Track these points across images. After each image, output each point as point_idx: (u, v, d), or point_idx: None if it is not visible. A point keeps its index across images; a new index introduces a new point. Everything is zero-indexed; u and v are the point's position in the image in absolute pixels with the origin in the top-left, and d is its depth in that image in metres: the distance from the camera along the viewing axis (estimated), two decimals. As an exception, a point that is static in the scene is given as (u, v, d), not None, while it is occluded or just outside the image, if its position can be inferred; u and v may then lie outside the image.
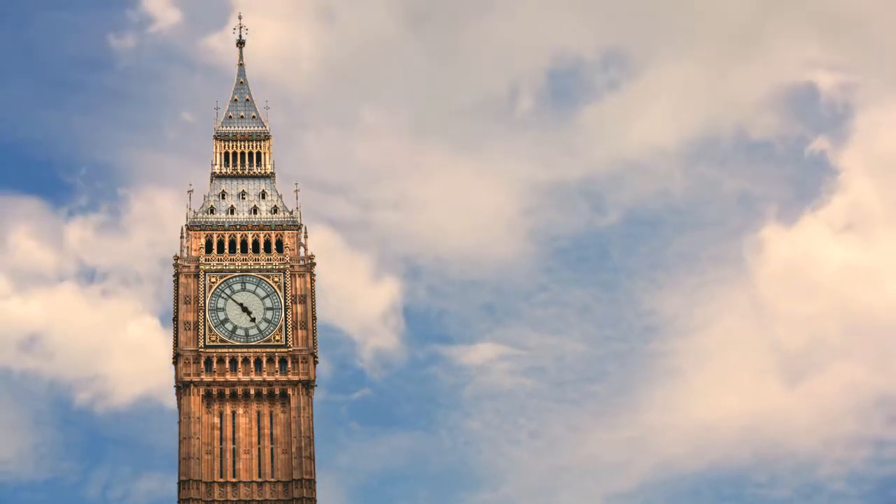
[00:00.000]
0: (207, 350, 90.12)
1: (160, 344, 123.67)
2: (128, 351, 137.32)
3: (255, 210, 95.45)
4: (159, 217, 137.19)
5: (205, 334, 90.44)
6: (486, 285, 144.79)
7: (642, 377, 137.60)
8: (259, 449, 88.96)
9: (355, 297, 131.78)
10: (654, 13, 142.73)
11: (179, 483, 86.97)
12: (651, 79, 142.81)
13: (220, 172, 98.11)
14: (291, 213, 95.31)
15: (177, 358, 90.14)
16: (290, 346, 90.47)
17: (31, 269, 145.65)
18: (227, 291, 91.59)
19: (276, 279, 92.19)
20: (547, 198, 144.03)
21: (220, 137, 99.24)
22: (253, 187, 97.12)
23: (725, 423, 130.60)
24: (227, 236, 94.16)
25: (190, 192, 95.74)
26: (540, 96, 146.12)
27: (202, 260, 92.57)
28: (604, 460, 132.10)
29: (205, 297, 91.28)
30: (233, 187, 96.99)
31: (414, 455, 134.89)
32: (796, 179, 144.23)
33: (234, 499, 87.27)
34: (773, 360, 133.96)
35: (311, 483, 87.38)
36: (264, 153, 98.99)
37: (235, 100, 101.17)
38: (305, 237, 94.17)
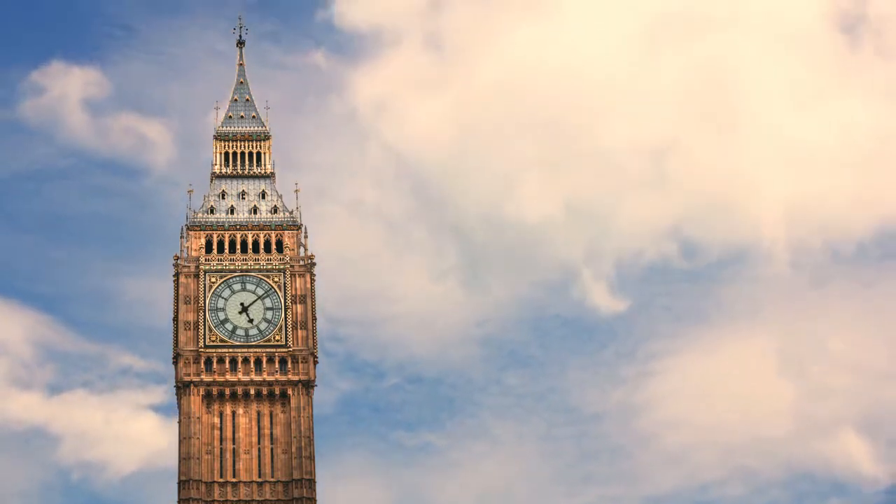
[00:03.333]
0: (207, 350, 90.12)
1: (159, 434, 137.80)
2: (127, 440, 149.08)
3: (255, 210, 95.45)
4: (155, 325, 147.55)
5: (205, 334, 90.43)
6: (445, 381, 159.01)
7: (595, 455, 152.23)
8: (259, 449, 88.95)
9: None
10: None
11: (179, 483, 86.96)
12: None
13: (220, 172, 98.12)
14: (291, 213, 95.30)
15: (177, 358, 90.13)
16: (290, 346, 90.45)
17: (38, 368, 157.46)
18: (227, 292, 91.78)
19: (276, 279, 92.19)
20: (497, 311, 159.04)
21: (220, 137, 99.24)
22: (253, 187, 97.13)
23: (671, 495, 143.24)
24: (227, 236, 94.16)
25: (190, 192, 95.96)
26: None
27: (202, 260, 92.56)
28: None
29: (205, 297, 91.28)
30: (233, 187, 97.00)
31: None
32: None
33: (234, 499, 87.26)
34: (711, 439, 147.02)
35: (311, 483, 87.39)
36: (264, 153, 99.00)
37: (235, 100, 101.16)
38: (305, 237, 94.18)
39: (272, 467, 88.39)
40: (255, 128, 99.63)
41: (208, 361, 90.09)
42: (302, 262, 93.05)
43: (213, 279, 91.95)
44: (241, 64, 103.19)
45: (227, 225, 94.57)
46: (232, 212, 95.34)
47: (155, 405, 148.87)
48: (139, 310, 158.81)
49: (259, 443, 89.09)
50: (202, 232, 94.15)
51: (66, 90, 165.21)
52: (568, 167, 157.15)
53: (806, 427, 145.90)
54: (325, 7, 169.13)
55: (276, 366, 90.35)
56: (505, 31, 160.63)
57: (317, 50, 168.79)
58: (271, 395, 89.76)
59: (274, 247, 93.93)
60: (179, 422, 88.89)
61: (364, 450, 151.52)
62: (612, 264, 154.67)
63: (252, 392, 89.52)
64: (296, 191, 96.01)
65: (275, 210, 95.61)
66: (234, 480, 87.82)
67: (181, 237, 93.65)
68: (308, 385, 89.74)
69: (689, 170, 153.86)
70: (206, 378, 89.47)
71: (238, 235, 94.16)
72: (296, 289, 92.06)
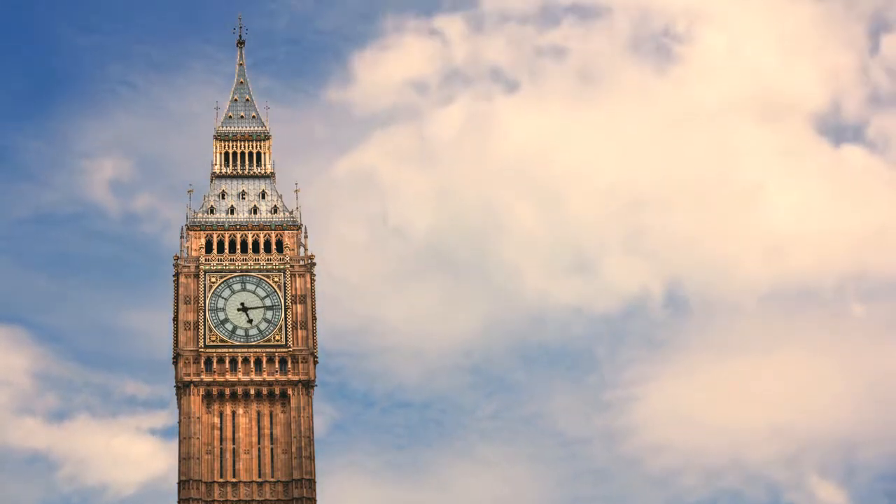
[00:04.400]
0: (207, 350, 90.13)
1: (158, 457, 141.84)
2: (127, 463, 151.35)
3: (255, 210, 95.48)
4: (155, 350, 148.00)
5: (205, 334, 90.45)
6: (434, 407, 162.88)
7: (581, 477, 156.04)
8: (259, 449, 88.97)
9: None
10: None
11: (179, 483, 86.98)
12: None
13: (220, 172, 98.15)
14: (291, 213, 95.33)
15: (177, 358, 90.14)
16: (290, 346, 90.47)
17: (40, 396, 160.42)
18: (227, 292, 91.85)
19: (276, 279, 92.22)
20: (486, 341, 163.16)
21: (220, 137, 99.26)
22: (253, 187, 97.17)
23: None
24: (227, 236, 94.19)
25: (190, 192, 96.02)
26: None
27: (202, 260, 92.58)
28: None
29: (205, 297, 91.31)
30: (233, 187, 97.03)
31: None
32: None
33: (234, 499, 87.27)
34: (694, 463, 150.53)
35: (311, 483, 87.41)
36: (264, 153, 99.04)
37: (235, 100, 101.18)
38: (305, 237, 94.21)
39: (272, 467, 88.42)
40: (255, 128, 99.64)
41: (208, 361, 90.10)
42: (302, 262, 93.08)
43: (213, 279, 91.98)
44: (240, 64, 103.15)
45: (227, 225, 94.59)
46: (232, 212, 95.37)
47: (155, 429, 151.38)
48: (140, 341, 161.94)
49: (259, 443, 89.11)
50: (202, 232, 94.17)
51: (94, 177, 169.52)
52: (559, 221, 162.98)
53: (788, 449, 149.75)
54: (323, 80, 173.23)
55: (276, 366, 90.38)
56: (502, 117, 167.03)
57: (314, 118, 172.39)
58: (271, 395, 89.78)
59: (274, 247, 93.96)
60: (179, 422, 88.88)
61: (356, 468, 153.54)
62: (600, 308, 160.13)
63: (252, 392, 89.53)
64: (296, 191, 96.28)
65: (275, 210, 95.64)
66: (234, 480, 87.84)
67: (181, 237, 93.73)
68: (308, 385, 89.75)
69: (672, 233, 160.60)
70: (206, 378, 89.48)
71: (238, 235, 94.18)
72: (296, 289, 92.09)
